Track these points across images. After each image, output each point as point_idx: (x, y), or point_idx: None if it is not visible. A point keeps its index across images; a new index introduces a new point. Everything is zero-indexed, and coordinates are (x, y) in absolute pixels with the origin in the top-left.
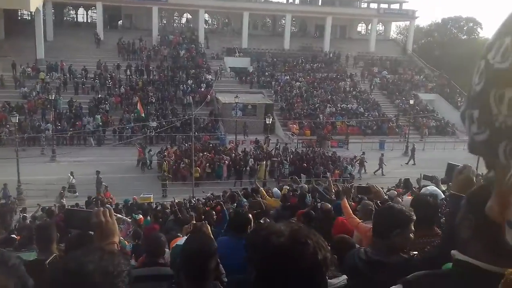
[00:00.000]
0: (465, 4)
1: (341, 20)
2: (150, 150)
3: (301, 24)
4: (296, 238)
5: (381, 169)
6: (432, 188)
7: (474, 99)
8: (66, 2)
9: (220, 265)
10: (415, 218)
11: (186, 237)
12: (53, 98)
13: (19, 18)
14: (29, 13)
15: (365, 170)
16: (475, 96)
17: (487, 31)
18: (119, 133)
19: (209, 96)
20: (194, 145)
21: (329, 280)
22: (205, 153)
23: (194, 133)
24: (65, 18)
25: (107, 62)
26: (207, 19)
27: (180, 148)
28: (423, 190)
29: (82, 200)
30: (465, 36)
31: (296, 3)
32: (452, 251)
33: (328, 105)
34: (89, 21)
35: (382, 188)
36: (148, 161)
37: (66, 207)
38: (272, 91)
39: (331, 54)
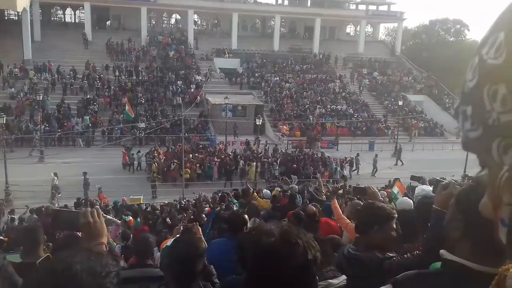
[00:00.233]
0: (452, 6)
1: (330, 22)
2: (139, 151)
3: (290, 25)
4: (287, 238)
5: (375, 169)
6: (428, 188)
7: (467, 95)
8: (53, 2)
9: (212, 266)
10: (396, 215)
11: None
12: (40, 99)
13: (6, 18)
14: (16, 13)
15: (358, 171)
16: (468, 92)
17: (474, 33)
18: (108, 134)
19: (198, 97)
20: (184, 146)
21: (329, 281)
22: (196, 154)
23: (184, 134)
24: (52, 18)
25: (95, 62)
26: (196, 20)
27: (169, 149)
28: (417, 190)
29: (71, 201)
30: (453, 38)
31: (285, 4)
32: (441, 250)
33: (318, 106)
34: (77, 21)
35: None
36: (136, 162)
37: (52, 208)
38: (262, 92)
39: (320, 55)
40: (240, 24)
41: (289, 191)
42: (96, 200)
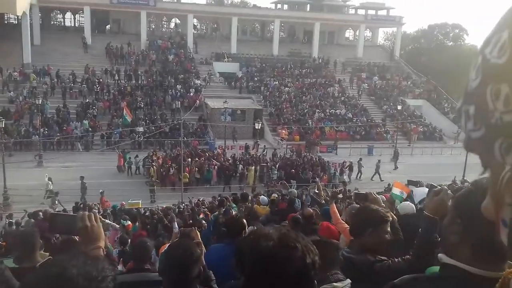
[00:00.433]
0: (451, 11)
1: (329, 26)
2: (136, 156)
3: (289, 30)
4: (285, 242)
5: (377, 174)
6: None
7: (470, 94)
8: (53, 6)
9: (210, 271)
10: (390, 219)
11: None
12: (40, 103)
13: (6, 22)
14: (16, 17)
15: (360, 176)
16: (471, 92)
17: (473, 38)
18: (107, 138)
19: (198, 101)
20: (183, 151)
21: (334, 284)
22: (196, 158)
23: (183, 138)
24: (52, 22)
25: (95, 66)
26: (195, 24)
27: (168, 153)
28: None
29: (69, 205)
30: (451, 43)
31: (284, 8)
32: (440, 254)
33: (317, 110)
34: (76, 25)
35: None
36: (134, 167)
37: (50, 212)
38: (261, 97)
39: (319, 60)
40: (239, 28)
41: (288, 196)
42: (95, 204)
